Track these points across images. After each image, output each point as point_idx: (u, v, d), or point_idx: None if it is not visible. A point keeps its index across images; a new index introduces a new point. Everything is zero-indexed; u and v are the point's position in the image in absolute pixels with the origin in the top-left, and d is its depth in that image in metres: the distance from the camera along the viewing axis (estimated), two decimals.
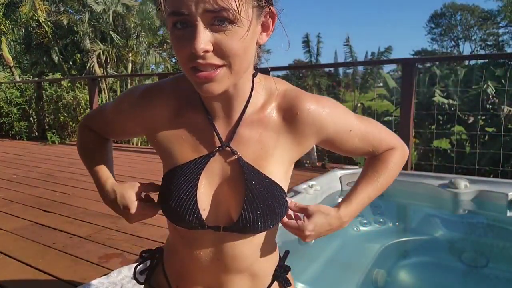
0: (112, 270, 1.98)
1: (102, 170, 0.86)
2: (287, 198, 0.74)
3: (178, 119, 0.73)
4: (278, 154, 0.72)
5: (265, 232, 0.75)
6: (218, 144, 0.71)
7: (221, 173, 0.71)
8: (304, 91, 0.75)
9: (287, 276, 0.84)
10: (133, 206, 0.75)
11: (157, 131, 0.74)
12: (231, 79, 0.62)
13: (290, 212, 0.80)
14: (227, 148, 0.70)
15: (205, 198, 0.71)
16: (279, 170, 0.72)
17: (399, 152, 0.85)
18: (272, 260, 0.83)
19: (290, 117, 0.72)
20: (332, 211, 0.80)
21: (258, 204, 0.68)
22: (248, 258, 0.75)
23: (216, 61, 0.59)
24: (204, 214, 0.70)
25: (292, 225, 0.77)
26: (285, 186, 0.74)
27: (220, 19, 0.57)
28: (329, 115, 0.73)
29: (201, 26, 0.57)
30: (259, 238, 0.75)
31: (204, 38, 0.57)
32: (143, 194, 0.79)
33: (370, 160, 0.86)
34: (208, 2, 0.55)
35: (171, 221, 0.74)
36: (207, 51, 0.58)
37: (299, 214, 0.81)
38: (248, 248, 0.74)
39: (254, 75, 0.72)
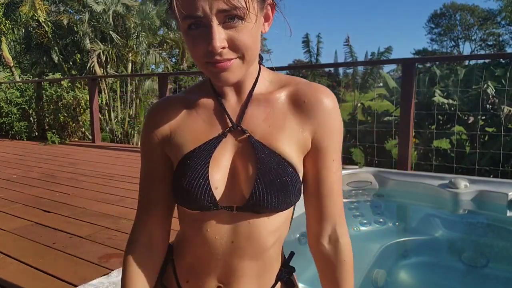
0: (112, 270, 1.98)
1: None
2: None
3: (189, 110, 0.77)
4: (285, 136, 0.73)
5: (278, 218, 0.74)
6: (229, 124, 0.74)
7: (233, 152, 0.73)
8: (322, 85, 0.78)
9: (291, 278, 0.83)
10: None
11: (172, 131, 0.76)
12: (244, 68, 0.68)
13: None
14: (238, 128, 0.73)
15: (218, 177, 0.72)
16: (289, 149, 0.72)
17: (350, 245, 0.79)
18: (277, 261, 0.82)
19: (298, 104, 0.74)
20: None
21: (270, 178, 0.69)
22: (261, 242, 0.74)
23: (231, 55, 0.65)
24: (217, 193, 0.71)
25: None
26: (297, 167, 0.73)
27: (231, 17, 0.62)
28: (332, 123, 0.74)
29: (215, 25, 0.62)
30: (272, 223, 0.74)
31: (220, 37, 0.62)
32: None
33: (329, 272, 0.79)
34: (220, 3, 0.60)
35: (184, 204, 0.74)
36: (223, 48, 0.63)
37: None
38: (262, 231, 0.73)
39: (259, 62, 0.76)
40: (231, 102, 0.75)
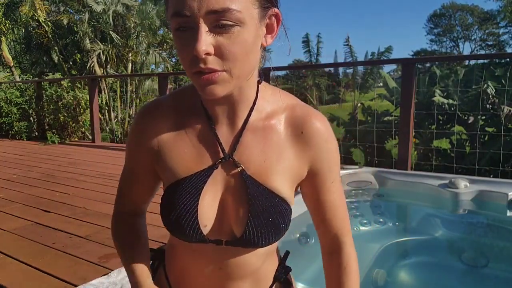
0: (112, 270, 1.98)
1: (139, 269, 0.78)
2: None
3: (179, 130, 0.71)
4: (281, 169, 0.69)
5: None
6: (221, 155, 0.68)
7: (224, 186, 0.69)
8: (314, 109, 0.73)
9: (287, 277, 0.83)
10: None
11: (160, 146, 0.71)
12: (233, 82, 0.61)
13: None
14: (230, 160, 0.68)
15: (207, 212, 0.69)
16: (283, 185, 0.69)
17: (355, 254, 0.79)
18: (273, 262, 0.82)
19: (296, 134, 0.70)
20: None
21: (261, 220, 0.67)
22: (251, 266, 0.74)
23: (217, 66, 0.58)
24: (205, 229, 0.69)
25: None
26: (290, 200, 0.71)
27: (222, 21, 0.56)
28: (329, 149, 0.72)
29: (203, 28, 0.55)
30: (261, 249, 0.74)
31: (206, 40, 0.56)
32: None
33: (333, 273, 0.80)
34: (210, 3, 0.54)
35: (172, 234, 0.73)
36: (208, 54, 0.56)
37: None
38: (251, 257, 0.73)
39: (259, 82, 0.70)
40: (224, 129, 0.69)
